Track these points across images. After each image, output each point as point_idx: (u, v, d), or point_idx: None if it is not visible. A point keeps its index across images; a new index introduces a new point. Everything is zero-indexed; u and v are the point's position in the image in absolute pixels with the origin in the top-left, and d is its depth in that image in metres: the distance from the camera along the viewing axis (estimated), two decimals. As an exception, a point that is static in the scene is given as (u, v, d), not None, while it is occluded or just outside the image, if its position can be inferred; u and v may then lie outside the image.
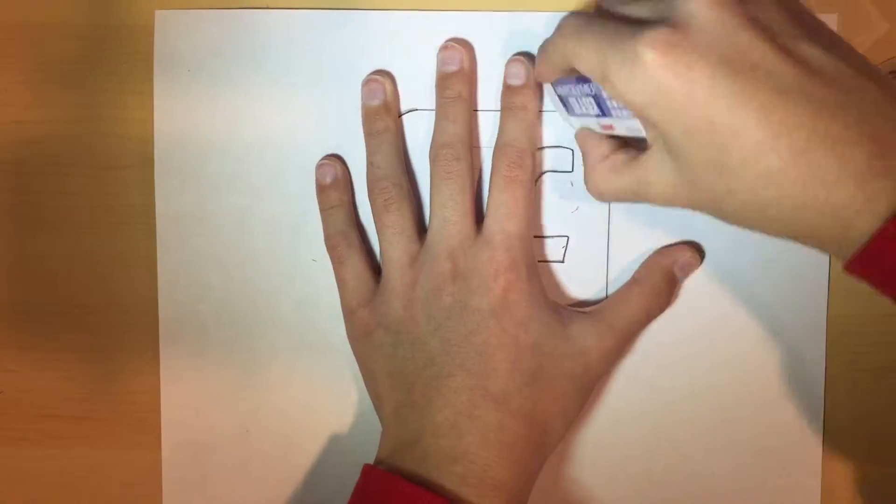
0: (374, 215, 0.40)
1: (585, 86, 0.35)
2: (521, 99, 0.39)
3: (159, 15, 0.41)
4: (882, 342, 0.41)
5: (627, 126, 0.34)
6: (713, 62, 0.29)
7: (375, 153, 0.40)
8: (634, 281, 0.40)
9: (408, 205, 0.39)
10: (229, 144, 0.41)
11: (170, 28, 0.41)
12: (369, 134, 0.40)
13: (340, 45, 0.41)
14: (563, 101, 0.38)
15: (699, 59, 0.29)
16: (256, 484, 0.42)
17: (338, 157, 0.41)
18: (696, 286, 0.41)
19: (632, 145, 0.36)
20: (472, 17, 0.41)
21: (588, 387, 0.39)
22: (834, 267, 0.41)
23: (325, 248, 0.41)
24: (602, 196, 0.37)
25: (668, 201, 0.33)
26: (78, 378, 0.42)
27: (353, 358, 0.41)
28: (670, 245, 0.41)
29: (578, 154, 0.41)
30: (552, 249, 0.41)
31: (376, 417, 0.40)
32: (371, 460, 0.38)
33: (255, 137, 0.41)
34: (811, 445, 0.41)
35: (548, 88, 0.39)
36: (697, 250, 0.41)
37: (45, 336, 0.42)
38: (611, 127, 0.36)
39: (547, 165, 0.41)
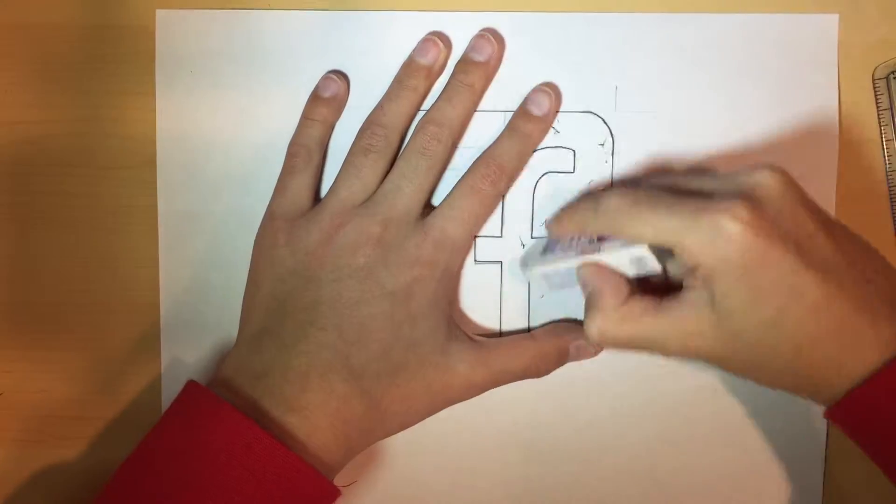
0: (349, 151, 0.40)
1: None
2: (532, 128, 0.40)
3: (160, 14, 0.41)
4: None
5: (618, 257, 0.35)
6: (783, 233, 0.33)
7: (392, 101, 0.40)
8: (531, 337, 0.40)
9: (384, 161, 0.39)
10: (231, 144, 0.41)
11: (171, 28, 0.41)
12: (398, 82, 0.40)
13: (342, 45, 0.41)
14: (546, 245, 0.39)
15: (774, 233, 0.32)
16: (257, 484, 0.42)
17: (344, 77, 0.41)
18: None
19: (647, 293, 0.36)
20: (473, 18, 0.41)
21: (439, 405, 0.39)
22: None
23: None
24: (605, 341, 0.36)
25: (687, 354, 0.35)
26: (78, 378, 0.42)
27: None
28: (575, 323, 0.41)
29: (580, 155, 0.41)
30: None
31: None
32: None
33: (256, 137, 0.41)
34: (814, 445, 0.41)
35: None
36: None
37: (45, 336, 0.42)
38: (596, 252, 0.36)
39: (547, 166, 0.41)
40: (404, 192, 0.38)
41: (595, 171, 0.41)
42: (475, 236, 0.41)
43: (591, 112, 0.41)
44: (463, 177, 0.39)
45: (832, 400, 0.34)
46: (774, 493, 0.42)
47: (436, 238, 0.38)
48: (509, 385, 0.40)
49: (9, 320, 0.42)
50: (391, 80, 0.41)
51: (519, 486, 0.42)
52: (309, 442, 0.35)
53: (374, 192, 0.39)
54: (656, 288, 0.36)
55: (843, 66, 0.41)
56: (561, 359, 0.40)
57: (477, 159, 0.39)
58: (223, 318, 0.42)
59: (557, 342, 0.40)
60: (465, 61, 0.40)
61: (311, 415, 0.36)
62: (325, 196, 0.39)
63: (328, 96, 0.40)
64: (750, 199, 0.33)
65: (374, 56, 0.41)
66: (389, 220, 0.38)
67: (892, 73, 0.40)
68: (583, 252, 0.36)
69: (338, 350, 0.36)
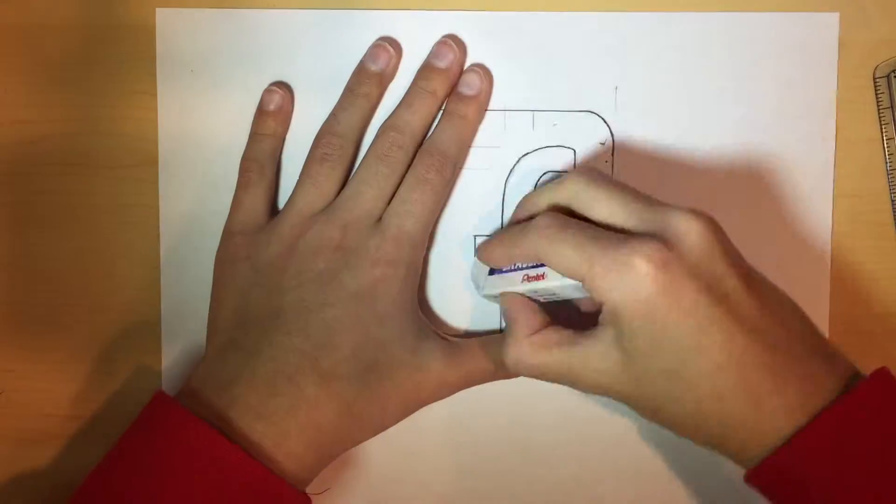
0: (306, 159, 0.40)
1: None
2: (466, 109, 0.40)
3: (160, 13, 0.41)
4: (882, 342, 0.42)
5: (561, 283, 0.35)
6: (697, 286, 0.32)
7: (345, 110, 0.40)
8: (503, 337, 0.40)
9: (340, 170, 0.39)
10: (232, 144, 0.41)
11: (171, 27, 0.41)
12: (350, 90, 0.40)
13: (342, 45, 0.41)
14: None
15: (686, 281, 0.32)
16: (257, 484, 0.42)
17: (287, 87, 0.41)
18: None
19: (564, 324, 0.36)
20: (473, 17, 0.41)
21: (412, 406, 0.38)
22: (834, 268, 0.41)
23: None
24: (519, 369, 0.36)
25: (597, 390, 0.35)
26: (78, 378, 0.42)
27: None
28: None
29: (580, 154, 0.41)
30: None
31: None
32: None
33: (256, 137, 0.41)
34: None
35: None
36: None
37: (45, 336, 0.42)
38: (540, 277, 0.36)
39: (547, 165, 0.41)
40: (365, 196, 0.38)
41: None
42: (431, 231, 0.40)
43: (591, 112, 0.41)
44: (409, 171, 0.39)
45: (745, 462, 0.34)
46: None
47: (394, 236, 0.38)
48: (508, 384, 0.40)
49: (9, 320, 0.42)
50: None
51: (519, 486, 0.42)
52: (278, 450, 0.35)
53: (333, 199, 0.39)
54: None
55: (844, 65, 0.41)
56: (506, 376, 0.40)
57: (420, 150, 0.39)
58: (223, 317, 0.42)
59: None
60: (427, 67, 0.40)
61: (280, 420, 0.35)
62: (283, 207, 0.40)
63: (273, 109, 0.40)
64: (669, 242, 0.32)
65: (374, 55, 0.41)
66: (348, 224, 0.38)
67: (893, 71, 0.40)
68: (527, 275, 0.36)
69: (305, 353, 0.36)
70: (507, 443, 0.42)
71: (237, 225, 0.40)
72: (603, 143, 0.41)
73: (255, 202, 0.40)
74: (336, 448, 0.37)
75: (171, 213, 0.41)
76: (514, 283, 0.37)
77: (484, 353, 0.39)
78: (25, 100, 0.42)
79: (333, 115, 0.40)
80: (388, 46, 0.40)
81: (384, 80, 0.40)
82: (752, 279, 0.33)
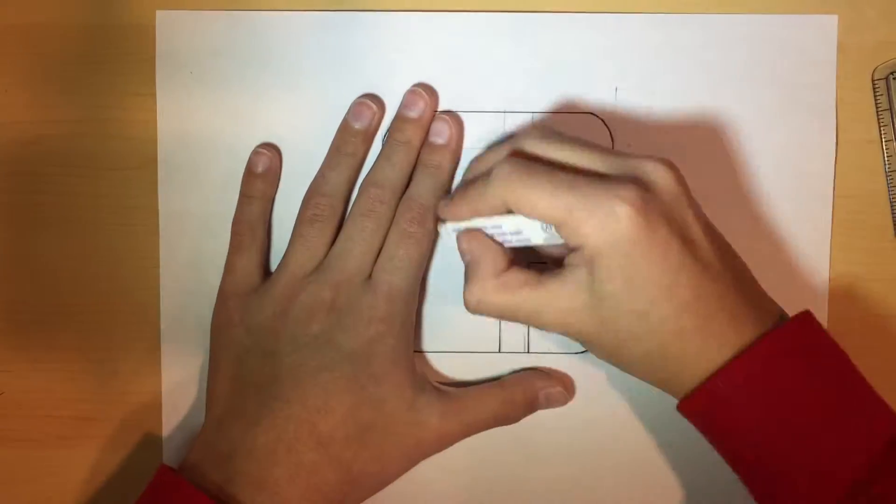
0: (296, 222, 0.40)
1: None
2: (439, 158, 0.40)
3: (160, 15, 0.41)
4: (881, 342, 0.42)
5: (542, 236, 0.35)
6: (670, 229, 0.33)
7: (332, 169, 0.40)
8: (500, 385, 0.40)
9: (331, 229, 0.39)
10: (232, 145, 0.41)
11: (171, 28, 0.41)
12: (336, 149, 0.40)
13: (342, 46, 0.41)
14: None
15: (662, 224, 0.33)
16: (257, 484, 0.42)
17: (275, 148, 0.41)
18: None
19: (525, 264, 0.36)
20: (473, 18, 0.41)
21: (413, 460, 0.39)
22: (834, 268, 0.41)
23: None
24: (479, 310, 0.36)
25: (557, 328, 0.35)
26: (79, 378, 0.42)
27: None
28: (546, 372, 0.41)
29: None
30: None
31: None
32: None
33: (257, 137, 0.41)
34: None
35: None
36: (567, 387, 0.41)
37: (45, 336, 0.42)
38: (526, 241, 0.36)
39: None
40: (353, 253, 0.38)
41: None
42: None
43: (591, 113, 0.41)
44: (392, 226, 0.39)
45: (682, 394, 0.35)
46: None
47: (385, 293, 0.38)
48: (509, 385, 0.40)
49: (9, 320, 0.42)
50: (392, 80, 0.41)
51: (519, 486, 0.42)
52: None
53: (323, 258, 0.39)
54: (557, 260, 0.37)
55: (843, 67, 0.41)
56: (530, 407, 0.40)
57: (400, 204, 0.39)
58: (223, 318, 0.42)
59: (526, 390, 0.40)
60: (399, 119, 0.40)
61: (281, 490, 0.35)
62: (276, 270, 0.40)
63: (262, 171, 0.41)
64: (644, 186, 0.33)
65: (374, 56, 0.41)
66: (340, 283, 0.38)
67: (892, 73, 0.40)
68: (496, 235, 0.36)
69: (303, 420, 0.36)
70: (507, 443, 0.42)
71: (231, 287, 0.40)
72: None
73: (248, 265, 0.40)
74: None
75: (171, 214, 0.41)
76: (481, 218, 0.36)
77: (481, 404, 0.39)
78: (25, 101, 0.42)
79: (321, 175, 0.40)
80: (371, 103, 0.40)
81: (368, 136, 0.41)
82: (710, 227, 0.35)
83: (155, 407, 0.42)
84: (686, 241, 0.34)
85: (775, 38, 0.40)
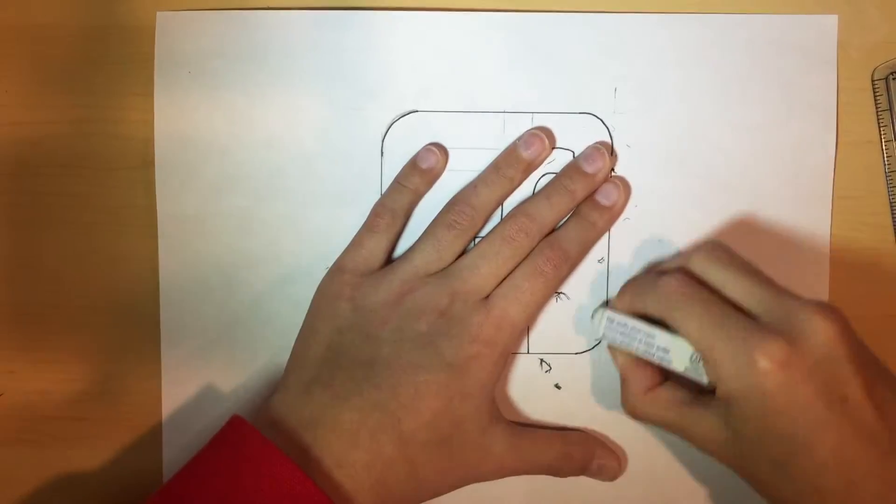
0: (433, 221, 0.40)
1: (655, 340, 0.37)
2: (598, 217, 0.40)
3: (161, 16, 0.41)
4: (882, 342, 0.41)
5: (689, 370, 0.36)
6: (814, 387, 0.32)
7: (487, 185, 0.40)
8: (562, 437, 0.41)
9: (464, 240, 0.39)
10: (230, 145, 0.41)
11: (171, 29, 0.41)
12: (496, 168, 0.40)
13: (341, 46, 0.41)
14: (620, 327, 0.38)
15: (805, 381, 0.32)
16: (257, 484, 0.42)
17: (444, 152, 0.41)
18: (697, 287, 0.41)
19: (678, 383, 0.38)
20: (473, 18, 0.41)
21: (469, 481, 0.39)
22: (833, 269, 0.41)
23: (326, 252, 0.41)
24: (636, 418, 0.38)
25: (705, 450, 0.36)
26: (79, 378, 0.42)
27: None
28: (607, 440, 0.41)
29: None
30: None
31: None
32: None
33: (256, 138, 0.41)
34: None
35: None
36: (621, 463, 0.41)
37: (45, 337, 0.42)
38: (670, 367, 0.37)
39: (547, 167, 0.41)
40: (480, 271, 0.38)
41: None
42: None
43: (590, 113, 0.41)
44: (529, 257, 0.39)
45: None
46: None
47: (497, 318, 0.38)
48: (511, 383, 0.40)
49: (9, 320, 0.43)
50: (392, 80, 0.41)
51: (519, 485, 0.42)
52: (352, 501, 0.35)
53: (448, 265, 0.39)
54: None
55: (843, 67, 0.41)
56: (582, 468, 0.41)
57: (542, 242, 0.39)
58: (222, 318, 0.42)
59: (584, 452, 0.40)
60: (575, 168, 0.40)
61: (357, 474, 0.35)
62: (399, 260, 0.40)
63: (425, 168, 0.40)
64: (793, 340, 0.33)
65: (374, 56, 0.41)
66: (457, 293, 0.38)
67: (892, 73, 0.40)
68: (647, 347, 0.37)
69: (390, 412, 0.36)
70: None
71: (350, 263, 0.40)
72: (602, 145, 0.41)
73: (377, 248, 0.40)
74: None
75: (169, 214, 0.41)
76: (634, 339, 0.38)
77: (542, 450, 0.40)
78: (25, 101, 0.42)
79: (474, 187, 0.40)
80: (544, 136, 0.40)
81: (531, 168, 0.40)
82: (875, 383, 0.33)
83: (155, 407, 0.42)
84: (836, 400, 0.32)
85: (775, 38, 0.40)
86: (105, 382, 0.42)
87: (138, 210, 0.42)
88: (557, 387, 0.42)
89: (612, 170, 0.41)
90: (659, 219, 0.41)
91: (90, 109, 0.42)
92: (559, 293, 0.41)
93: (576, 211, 0.40)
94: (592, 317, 0.39)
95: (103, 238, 0.42)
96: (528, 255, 0.39)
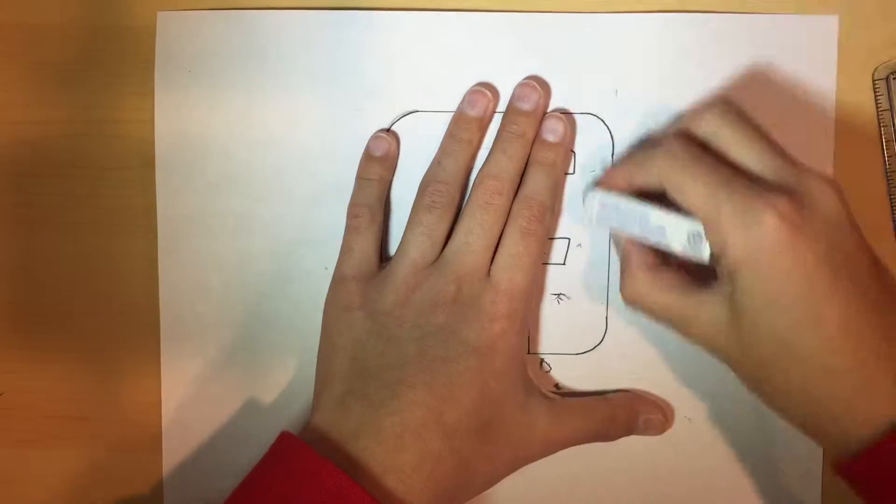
0: (413, 208, 0.40)
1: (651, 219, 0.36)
2: (552, 155, 0.40)
3: (161, 16, 0.41)
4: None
5: (689, 248, 0.35)
6: (821, 252, 0.32)
7: (448, 156, 0.40)
8: (604, 400, 0.40)
9: (449, 216, 0.39)
10: (230, 145, 0.41)
11: (171, 29, 0.41)
12: (451, 136, 0.40)
13: (342, 46, 0.41)
14: (614, 209, 0.38)
15: (813, 242, 0.32)
16: (257, 484, 0.42)
17: (394, 136, 0.41)
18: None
19: (677, 266, 0.37)
20: (473, 18, 0.41)
21: (519, 463, 0.38)
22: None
23: (326, 252, 0.41)
24: (637, 305, 0.37)
25: (704, 345, 0.35)
26: (79, 379, 0.42)
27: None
28: (647, 397, 0.41)
29: (580, 156, 0.41)
30: (553, 252, 0.41)
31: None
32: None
33: (256, 138, 0.41)
34: (812, 445, 0.41)
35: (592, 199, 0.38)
36: (668, 416, 0.41)
37: (45, 337, 0.42)
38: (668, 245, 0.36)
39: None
40: (472, 248, 0.38)
41: (596, 173, 0.41)
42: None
43: (591, 114, 0.41)
44: (509, 224, 0.39)
45: (841, 451, 0.33)
46: (774, 493, 0.42)
47: (507, 291, 0.38)
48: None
49: (9, 320, 0.43)
50: (392, 80, 0.41)
51: (519, 486, 0.42)
52: None
53: (442, 249, 0.39)
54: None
55: (843, 67, 0.40)
56: (629, 428, 0.40)
57: (514, 203, 0.39)
58: (222, 318, 0.42)
59: (629, 411, 0.40)
60: (512, 112, 0.40)
61: (407, 477, 0.35)
62: (396, 256, 0.39)
63: (380, 155, 0.40)
64: (801, 201, 0.32)
65: (374, 56, 0.41)
66: (461, 278, 0.38)
67: (892, 73, 0.40)
68: (642, 229, 0.36)
69: (430, 407, 0.36)
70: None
71: (349, 269, 0.40)
72: (603, 146, 0.41)
73: (367, 247, 0.40)
74: (454, 502, 0.37)
75: (169, 214, 0.41)
76: (629, 220, 0.37)
77: (586, 416, 0.39)
78: (25, 100, 0.42)
79: (437, 162, 0.40)
80: (486, 91, 0.40)
81: (483, 124, 0.40)
82: (875, 258, 0.33)
83: (155, 407, 0.42)
84: (842, 270, 0.32)
85: (776, 38, 0.40)
86: (105, 382, 0.42)
87: (138, 210, 0.42)
88: (557, 387, 0.42)
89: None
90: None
91: (90, 109, 0.41)
92: (559, 294, 0.41)
93: (530, 160, 0.40)
94: (584, 201, 0.39)
95: (103, 238, 0.42)
96: (508, 215, 0.39)
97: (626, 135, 0.41)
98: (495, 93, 0.41)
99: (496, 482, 0.38)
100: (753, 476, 0.42)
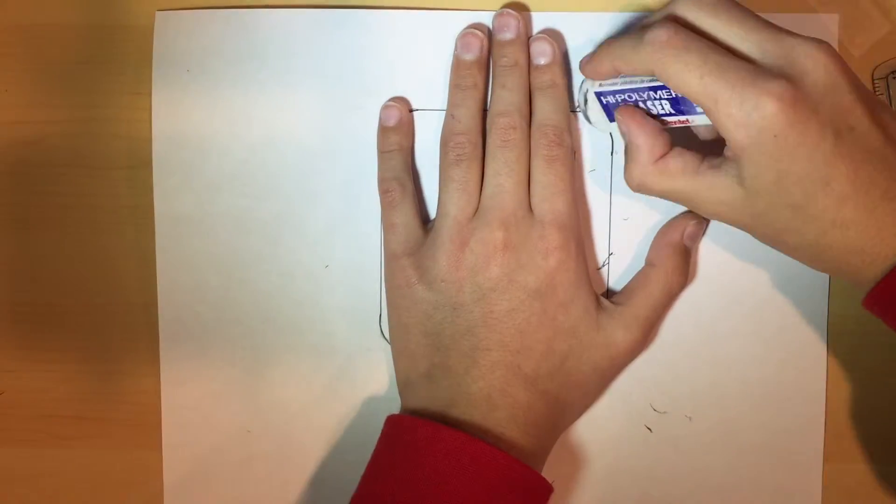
0: (441, 167, 0.39)
1: (660, 90, 0.36)
2: (550, 77, 0.39)
3: (160, 16, 0.41)
4: (882, 342, 0.42)
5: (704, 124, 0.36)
6: (822, 121, 0.32)
7: (459, 106, 0.40)
8: (650, 265, 0.40)
9: (477, 166, 0.39)
10: (229, 145, 0.41)
11: (170, 28, 0.41)
12: (456, 86, 0.40)
13: (341, 45, 0.41)
14: (607, 96, 0.38)
15: (813, 116, 0.32)
16: (257, 484, 0.42)
17: (404, 101, 0.41)
18: (698, 287, 0.41)
19: (685, 149, 0.36)
20: (473, 18, 0.41)
21: (610, 377, 0.40)
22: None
23: (326, 251, 0.41)
24: (642, 191, 0.37)
25: (717, 216, 0.36)
26: (78, 378, 0.42)
27: (353, 359, 0.41)
28: (673, 219, 0.41)
29: (579, 155, 0.41)
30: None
31: (377, 418, 0.39)
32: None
33: (254, 138, 0.41)
34: (812, 445, 0.41)
35: (582, 87, 0.39)
36: (698, 218, 0.41)
37: (45, 336, 0.42)
38: (685, 122, 0.36)
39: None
40: (506, 188, 0.38)
41: (596, 171, 0.41)
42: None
43: (590, 112, 0.41)
44: (533, 152, 0.39)
45: (860, 287, 0.34)
46: (774, 493, 0.42)
47: (553, 221, 0.38)
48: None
49: (9, 320, 0.43)
50: (391, 79, 0.41)
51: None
52: (509, 454, 0.36)
53: (479, 199, 0.39)
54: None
55: (843, 66, 0.40)
56: (686, 259, 0.40)
57: (532, 134, 0.39)
58: (221, 318, 0.42)
59: (672, 249, 0.40)
60: (498, 44, 0.40)
61: (505, 431, 0.36)
62: (437, 219, 0.39)
63: (394, 125, 0.40)
64: (794, 79, 0.32)
65: (373, 55, 0.41)
66: (506, 221, 0.38)
67: (892, 72, 0.40)
68: (652, 79, 0.36)
69: (508, 364, 0.37)
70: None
71: (398, 247, 0.39)
72: (602, 144, 0.41)
73: (408, 219, 0.40)
74: (552, 437, 0.39)
75: (167, 213, 0.41)
76: (633, 81, 0.36)
77: (648, 295, 0.39)
78: (24, 100, 0.42)
79: (451, 116, 0.40)
80: (477, 31, 0.40)
81: (483, 65, 0.40)
82: (876, 109, 0.34)
83: (155, 407, 0.42)
84: (844, 131, 0.33)
85: (775, 37, 0.40)
86: (105, 382, 0.43)
87: (136, 210, 0.42)
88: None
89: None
90: (659, 217, 0.41)
91: (89, 109, 0.42)
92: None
93: (532, 88, 0.39)
94: (579, 106, 0.38)
95: (102, 237, 0.42)
96: (530, 147, 0.39)
97: (612, 134, 0.41)
98: (484, 30, 0.40)
99: (592, 403, 0.41)
100: (754, 475, 0.42)
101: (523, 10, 0.41)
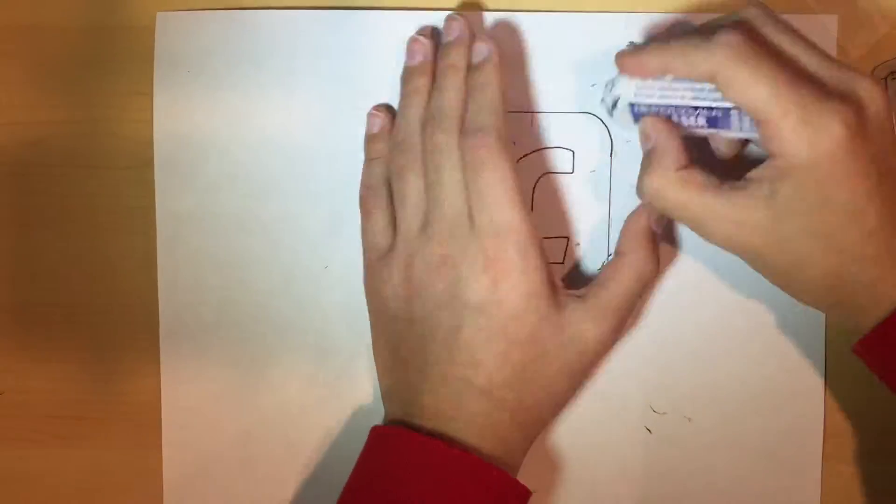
0: (393, 179, 0.39)
1: (700, 109, 0.35)
2: (482, 77, 0.38)
3: (160, 16, 0.41)
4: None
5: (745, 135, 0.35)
6: (873, 154, 0.33)
7: (400, 114, 0.39)
8: (619, 254, 0.39)
9: (419, 173, 0.38)
10: (229, 145, 0.41)
11: (171, 29, 0.41)
12: (404, 95, 0.40)
13: (341, 45, 0.41)
14: (640, 106, 0.36)
15: (868, 150, 0.32)
16: (257, 484, 0.42)
17: (388, 108, 0.41)
18: (696, 287, 0.41)
19: (702, 166, 0.36)
20: (472, 18, 0.41)
21: (583, 372, 0.38)
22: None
23: (326, 252, 0.41)
24: (655, 200, 0.36)
25: (727, 243, 0.35)
26: (78, 379, 0.42)
27: (353, 359, 0.42)
28: (638, 206, 0.39)
29: (579, 155, 0.41)
30: (552, 251, 0.41)
31: (377, 417, 0.40)
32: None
33: (255, 138, 0.41)
34: (811, 445, 0.41)
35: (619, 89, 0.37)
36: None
37: (45, 336, 0.42)
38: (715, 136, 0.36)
39: (546, 166, 0.41)
40: (440, 199, 0.37)
41: (595, 171, 0.41)
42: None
43: (590, 113, 0.41)
44: (462, 159, 0.37)
45: (859, 330, 0.34)
46: (773, 493, 0.42)
47: (489, 232, 0.36)
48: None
49: (9, 320, 0.43)
50: (392, 80, 0.41)
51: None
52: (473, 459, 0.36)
53: (427, 208, 0.38)
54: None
55: (843, 67, 0.41)
56: (654, 244, 0.38)
57: (459, 139, 0.37)
58: (221, 318, 0.42)
59: (640, 235, 0.38)
60: (442, 47, 0.39)
61: (463, 438, 0.36)
62: (396, 234, 0.39)
63: (378, 132, 0.40)
64: (858, 105, 0.32)
65: (373, 56, 0.41)
66: (443, 235, 0.37)
67: (892, 73, 0.40)
68: (696, 95, 0.35)
69: (458, 378, 0.36)
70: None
71: (372, 253, 0.39)
72: (601, 144, 0.41)
73: (379, 228, 0.39)
74: (524, 441, 0.38)
75: (168, 214, 0.41)
76: (676, 90, 0.35)
77: (618, 284, 0.38)
78: (25, 101, 0.42)
79: (397, 125, 0.39)
80: (419, 37, 0.39)
81: (426, 69, 0.39)
82: None
83: (155, 407, 0.42)
84: (885, 171, 0.33)
85: (775, 37, 0.40)
86: (105, 383, 0.43)
87: (137, 210, 0.42)
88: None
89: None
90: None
91: (90, 109, 0.42)
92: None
93: (467, 86, 0.38)
94: (603, 100, 0.37)
95: (103, 237, 0.42)
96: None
97: (626, 134, 0.41)
98: (432, 31, 0.40)
99: (567, 401, 0.39)
100: (753, 476, 0.42)
101: (483, 10, 0.40)
